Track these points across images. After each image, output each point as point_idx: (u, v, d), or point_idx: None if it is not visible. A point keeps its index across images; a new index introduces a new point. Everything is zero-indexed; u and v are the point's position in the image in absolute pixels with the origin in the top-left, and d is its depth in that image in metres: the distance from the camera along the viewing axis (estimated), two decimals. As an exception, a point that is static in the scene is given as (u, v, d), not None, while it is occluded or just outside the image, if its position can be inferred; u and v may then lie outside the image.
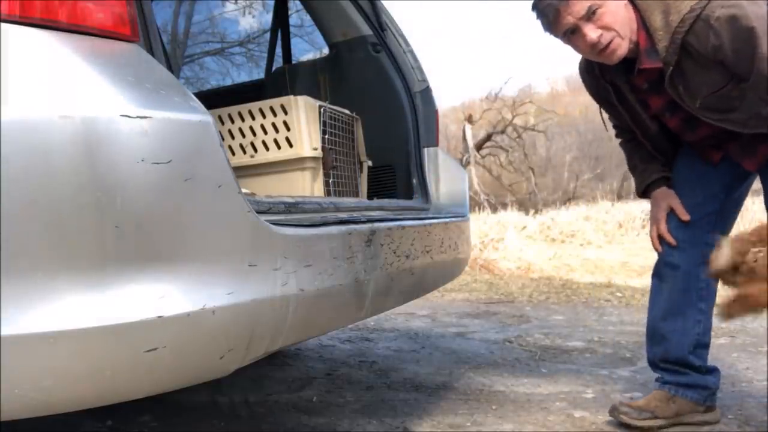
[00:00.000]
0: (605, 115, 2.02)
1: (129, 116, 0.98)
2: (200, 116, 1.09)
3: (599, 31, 1.64)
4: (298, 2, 2.74)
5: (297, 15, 2.99)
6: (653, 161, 1.95)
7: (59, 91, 0.97)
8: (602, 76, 1.84)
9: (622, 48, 1.67)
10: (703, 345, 1.94)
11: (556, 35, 1.72)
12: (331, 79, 2.64)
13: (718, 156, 1.86)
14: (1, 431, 1.00)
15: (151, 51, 1.13)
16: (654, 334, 1.97)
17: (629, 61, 1.73)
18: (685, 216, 1.87)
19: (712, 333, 3.37)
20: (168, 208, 1.02)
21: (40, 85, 0.97)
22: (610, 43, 1.65)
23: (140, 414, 2.06)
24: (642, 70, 1.71)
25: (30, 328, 0.94)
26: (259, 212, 1.19)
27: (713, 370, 1.96)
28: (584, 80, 1.95)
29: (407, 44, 2.47)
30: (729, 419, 1.99)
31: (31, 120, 0.95)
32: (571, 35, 1.68)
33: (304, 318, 1.29)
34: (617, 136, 2.07)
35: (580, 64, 1.95)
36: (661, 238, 1.91)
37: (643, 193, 1.98)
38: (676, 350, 1.92)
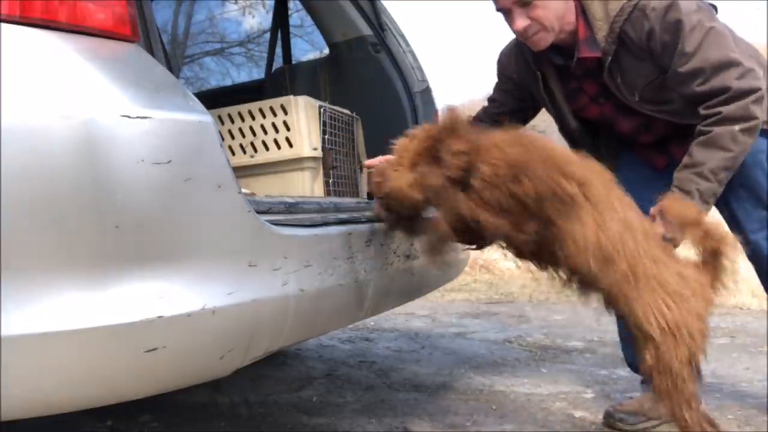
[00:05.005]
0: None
1: (129, 116, 0.98)
2: (200, 116, 1.09)
3: (528, 21, 1.69)
4: (298, 2, 2.74)
5: (297, 15, 2.99)
6: None
7: (59, 91, 0.97)
8: (534, 62, 1.87)
9: (545, 40, 1.72)
10: None
11: (496, 9, 1.75)
12: (331, 79, 2.64)
13: (663, 161, 1.88)
14: (1, 431, 1.00)
15: (151, 51, 1.13)
16: (630, 338, 1.98)
17: (563, 50, 1.77)
18: None
19: (712, 333, 3.37)
20: (168, 209, 1.02)
21: (40, 86, 0.97)
22: (534, 35, 1.70)
23: (140, 414, 2.06)
24: (580, 59, 1.74)
25: (30, 328, 0.94)
26: (259, 212, 1.19)
27: None
28: (508, 63, 1.97)
29: (407, 44, 2.47)
30: (729, 419, 1.99)
31: (31, 120, 0.95)
32: (504, 15, 1.73)
33: (304, 318, 1.29)
34: (482, 111, 2.07)
35: (504, 49, 1.99)
36: None
37: None
38: None
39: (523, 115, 2.05)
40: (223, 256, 1.09)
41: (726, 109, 1.56)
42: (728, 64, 1.57)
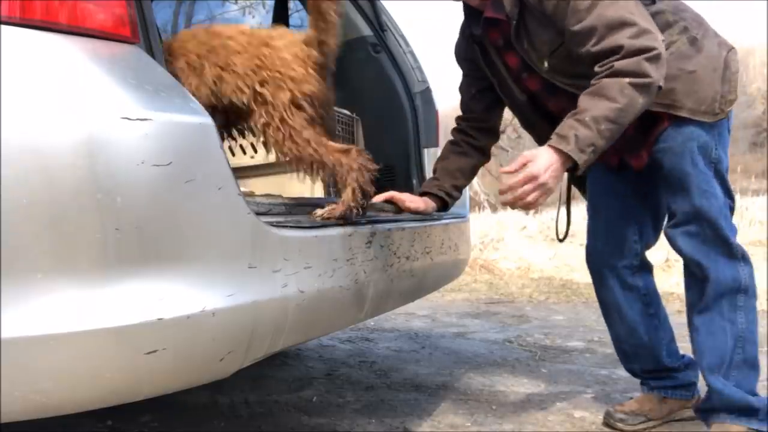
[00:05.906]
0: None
1: (129, 118, 0.98)
2: (200, 118, 1.09)
3: None
4: (298, 2, 2.74)
5: (297, 15, 2.99)
6: (449, 178, 1.90)
7: (59, 92, 0.97)
8: (471, 36, 1.82)
9: None
10: (670, 340, 1.96)
11: None
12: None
13: (616, 159, 1.83)
14: (1, 433, 1.01)
15: (151, 52, 1.13)
16: (625, 353, 2.00)
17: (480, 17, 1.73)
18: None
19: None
20: (168, 210, 1.02)
21: (40, 87, 0.97)
22: None
23: (140, 414, 2.06)
24: (492, 21, 1.70)
25: (30, 330, 0.94)
26: (258, 214, 1.19)
27: (689, 363, 1.98)
28: (459, 52, 1.93)
29: (407, 45, 2.47)
30: (729, 420, 1.99)
31: (31, 122, 0.95)
32: None
33: (304, 320, 1.29)
34: (454, 131, 2.01)
35: (457, 41, 1.94)
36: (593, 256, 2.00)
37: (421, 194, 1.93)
38: (652, 362, 1.95)
39: (496, 93, 1.94)
40: (222, 257, 1.09)
41: (618, 63, 1.51)
42: (622, 24, 1.52)
